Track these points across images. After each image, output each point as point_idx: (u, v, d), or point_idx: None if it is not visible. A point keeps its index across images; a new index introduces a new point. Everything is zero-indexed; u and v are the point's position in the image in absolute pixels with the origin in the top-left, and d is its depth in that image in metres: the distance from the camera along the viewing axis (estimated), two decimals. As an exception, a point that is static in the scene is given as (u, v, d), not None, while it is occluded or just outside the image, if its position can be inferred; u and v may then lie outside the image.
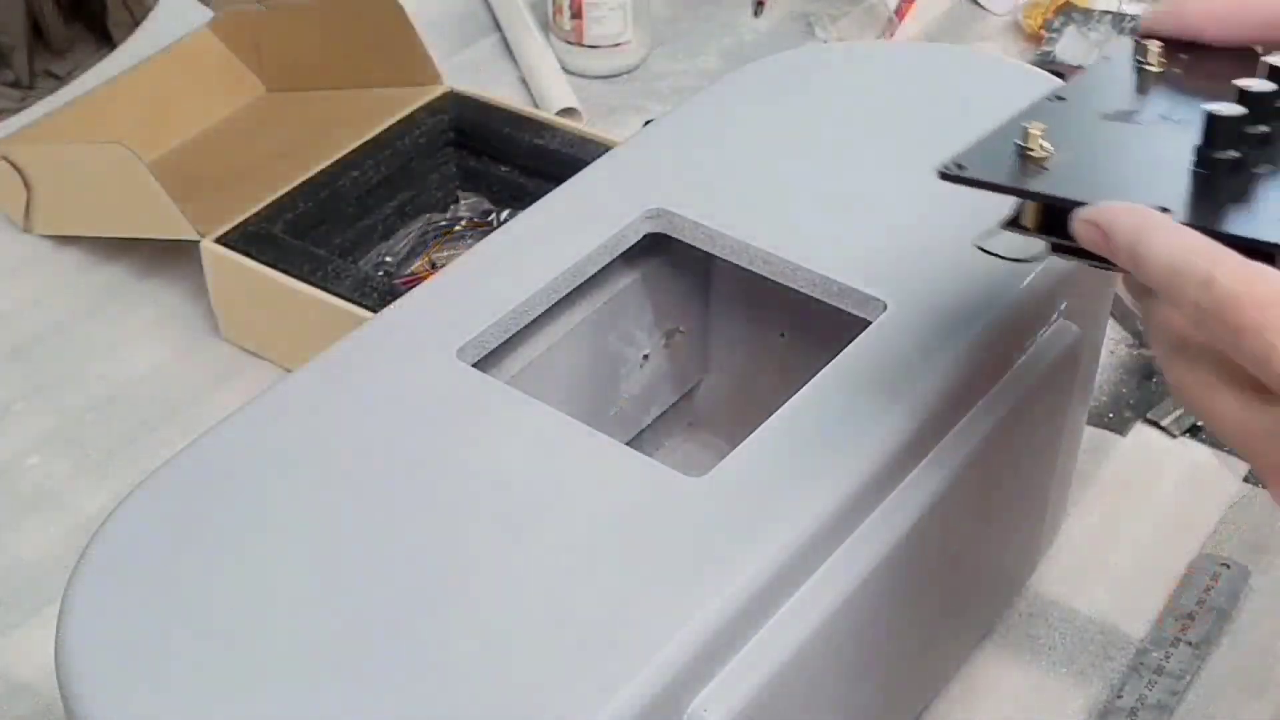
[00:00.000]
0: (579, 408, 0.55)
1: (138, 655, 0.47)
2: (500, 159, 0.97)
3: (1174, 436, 0.83)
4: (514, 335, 0.60)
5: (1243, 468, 0.81)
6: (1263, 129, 0.46)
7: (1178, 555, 0.77)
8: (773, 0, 1.23)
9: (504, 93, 1.06)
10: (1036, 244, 0.50)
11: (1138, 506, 0.80)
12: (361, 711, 0.45)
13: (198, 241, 0.87)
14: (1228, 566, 0.76)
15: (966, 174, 0.48)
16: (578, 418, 0.54)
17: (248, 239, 0.87)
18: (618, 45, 1.14)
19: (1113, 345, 0.89)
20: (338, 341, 0.59)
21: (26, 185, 0.96)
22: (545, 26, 1.16)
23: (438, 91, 0.98)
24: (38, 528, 0.80)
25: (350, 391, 0.56)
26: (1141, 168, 0.47)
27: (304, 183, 0.91)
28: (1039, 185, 0.47)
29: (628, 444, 0.53)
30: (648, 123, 0.78)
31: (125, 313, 0.93)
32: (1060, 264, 0.61)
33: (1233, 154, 0.45)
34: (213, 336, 0.91)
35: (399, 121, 0.96)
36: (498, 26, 1.20)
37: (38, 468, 0.84)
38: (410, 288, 0.67)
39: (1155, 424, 0.84)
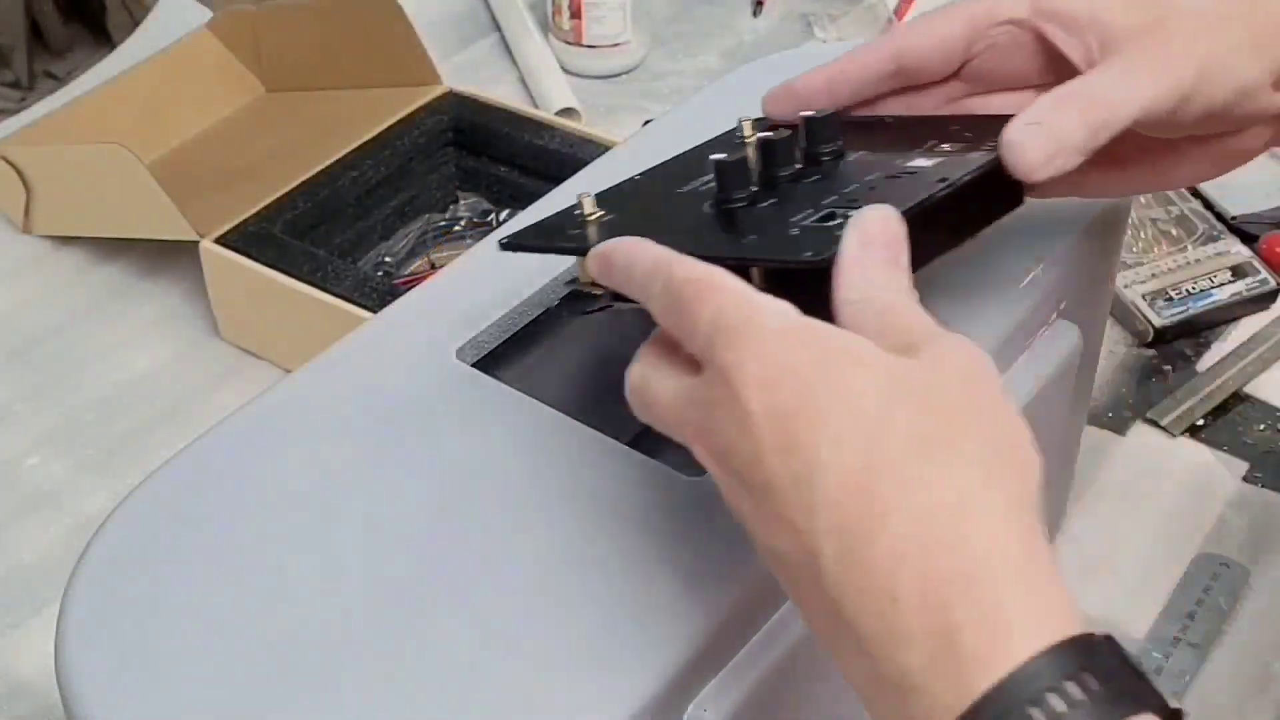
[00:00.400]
0: (579, 408, 0.55)
1: (137, 655, 0.47)
2: (500, 159, 0.97)
3: (1174, 436, 0.83)
4: (514, 335, 0.60)
5: (1242, 468, 0.81)
6: (783, 170, 0.52)
7: (1178, 555, 0.77)
8: (772, 0, 1.23)
9: (503, 93, 1.07)
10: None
11: (1137, 506, 0.80)
12: (361, 711, 0.45)
13: (197, 242, 0.87)
14: (1228, 566, 0.76)
15: (521, 242, 0.55)
16: (577, 418, 0.54)
17: (247, 239, 0.87)
18: (617, 45, 1.14)
19: (1112, 345, 0.89)
20: (337, 342, 0.59)
21: (26, 186, 0.96)
22: (544, 27, 1.16)
23: (437, 92, 0.98)
24: (37, 528, 0.80)
25: (350, 392, 0.56)
26: (673, 219, 0.52)
27: (303, 183, 0.91)
28: (575, 243, 0.52)
29: (628, 444, 0.53)
30: (647, 122, 0.79)
31: (125, 313, 0.93)
32: (1060, 264, 0.61)
33: (740, 195, 0.50)
34: (212, 337, 0.91)
35: (398, 122, 0.96)
36: (497, 27, 1.20)
37: (37, 468, 0.84)
38: (410, 288, 0.67)
39: (1155, 424, 0.84)
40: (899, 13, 1.19)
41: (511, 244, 0.54)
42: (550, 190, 0.67)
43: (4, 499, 0.82)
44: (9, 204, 0.98)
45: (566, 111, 1.07)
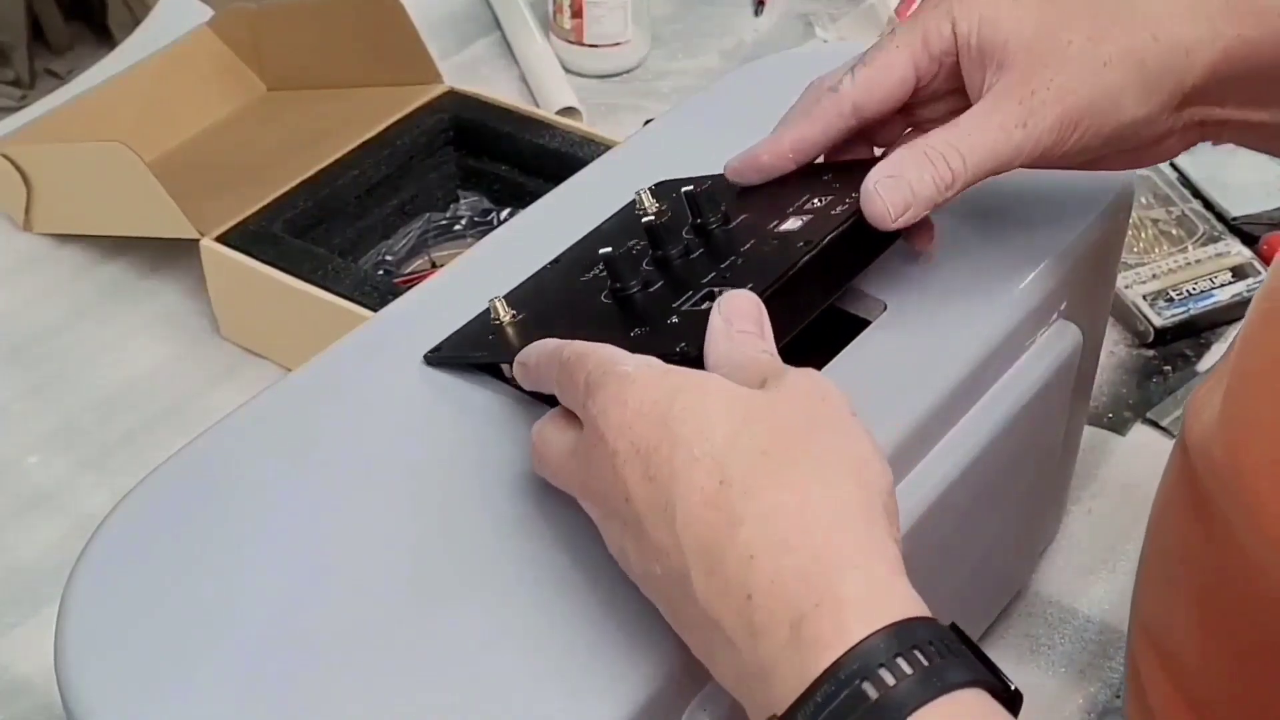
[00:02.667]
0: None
1: (136, 654, 0.47)
2: (500, 158, 0.97)
3: (1174, 437, 0.83)
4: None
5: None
6: (672, 249, 0.56)
7: (1177, 555, 0.77)
8: (772, 0, 1.23)
9: (504, 92, 1.06)
10: None
11: (1137, 507, 0.80)
12: (360, 711, 0.45)
13: (197, 240, 0.87)
14: (1227, 567, 0.76)
15: (444, 355, 0.57)
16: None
17: (247, 238, 0.87)
18: (618, 45, 1.14)
19: (1112, 345, 0.89)
20: (337, 341, 0.59)
21: (26, 184, 0.96)
22: (545, 26, 1.16)
23: (438, 91, 0.98)
24: (37, 526, 0.80)
25: (350, 391, 0.56)
26: (576, 312, 0.56)
27: (304, 182, 0.91)
28: (491, 351, 0.56)
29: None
30: (648, 122, 0.79)
31: (125, 312, 0.93)
32: (1061, 265, 0.61)
33: (632, 283, 0.54)
34: (212, 335, 0.91)
35: (399, 120, 0.96)
36: (498, 26, 1.20)
37: (37, 467, 0.84)
38: (410, 287, 0.67)
39: (1155, 424, 0.84)
40: (900, 12, 1.19)
41: (435, 358, 0.57)
42: (550, 189, 0.67)
43: (4, 497, 0.82)
44: (9, 202, 0.98)
45: (567, 111, 1.07)
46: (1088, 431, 0.79)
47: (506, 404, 0.55)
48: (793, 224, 0.55)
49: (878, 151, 0.61)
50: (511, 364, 0.53)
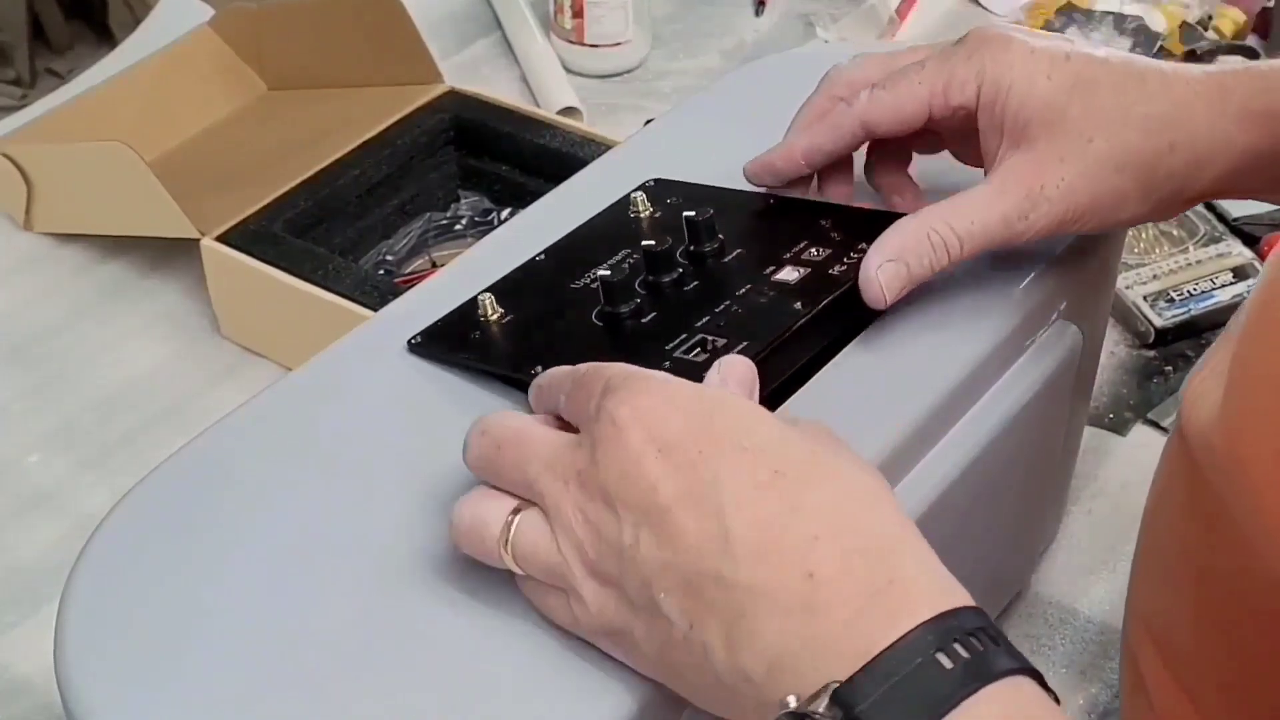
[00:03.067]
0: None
1: (136, 653, 0.47)
2: (501, 158, 0.97)
3: (1174, 437, 0.83)
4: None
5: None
6: (666, 277, 0.56)
7: (1178, 556, 0.77)
8: (773, 0, 1.23)
9: (505, 92, 1.06)
10: None
11: (1137, 507, 0.80)
12: (360, 710, 0.45)
13: (198, 240, 0.87)
14: (1228, 567, 0.76)
15: (430, 347, 0.57)
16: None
17: (248, 237, 0.87)
18: (618, 44, 1.14)
19: (1113, 346, 0.89)
20: (338, 340, 0.59)
21: (27, 183, 0.96)
22: (546, 26, 1.16)
23: (439, 90, 0.98)
24: (37, 526, 0.80)
25: (350, 390, 0.56)
26: (566, 328, 0.56)
27: (304, 181, 0.91)
28: (477, 355, 0.56)
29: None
30: (648, 122, 0.79)
31: (125, 311, 0.93)
32: (1061, 265, 0.61)
33: (625, 309, 0.55)
34: (212, 335, 0.91)
35: (400, 120, 0.96)
36: (498, 25, 1.20)
37: (37, 466, 0.84)
38: (410, 286, 0.67)
39: (1155, 424, 0.84)
40: (900, 13, 1.19)
41: (420, 349, 0.57)
42: (551, 189, 0.67)
43: (4, 497, 0.82)
44: (10, 201, 0.98)
45: (568, 110, 1.07)
46: (1088, 432, 0.79)
47: (506, 404, 0.55)
48: (789, 275, 0.56)
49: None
50: (495, 371, 0.55)
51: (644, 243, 0.57)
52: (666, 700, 0.46)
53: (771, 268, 0.57)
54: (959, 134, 0.59)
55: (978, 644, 0.41)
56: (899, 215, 0.57)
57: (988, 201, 0.56)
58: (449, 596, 0.48)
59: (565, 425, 0.48)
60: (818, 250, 0.57)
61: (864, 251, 0.56)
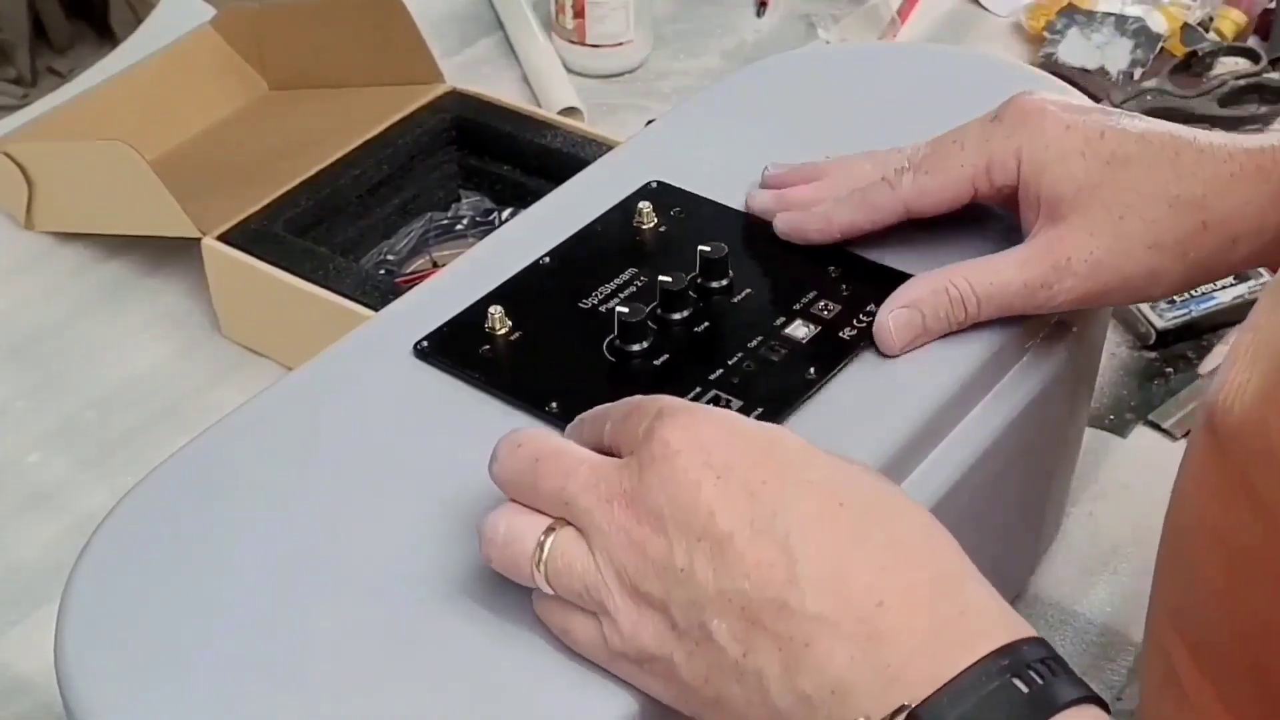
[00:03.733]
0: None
1: (136, 652, 0.47)
2: (502, 158, 0.97)
3: (1175, 439, 0.83)
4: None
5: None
6: (677, 314, 0.57)
7: (1178, 558, 0.77)
8: (775, 1, 1.23)
9: (506, 92, 1.06)
10: None
11: (1138, 509, 0.80)
12: (361, 710, 0.45)
13: (199, 239, 0.87)
14: (1228, 569, 0.76)
15: (437, 356, 0.57)
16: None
17: (249, 237, 0.87)
18: (620, 45, 1.14)
19: (1114, 347, 0.89)
20: (338, 340, 0.59)
21: (28, 182, 0.96)
22: (547, 26, 1.16)
23: (440, 90, 0.98)
24: (38, 525, 0.80)
25: (351, 390, 0.56)
26: (576, 353, 0.57)
27: (305, 181, 0.91)
28: (484, 373, 0.56)
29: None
30: (649, 122, 0.78)
31: (126, 310, 0.93)
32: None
33: (636, 347, 0.56)
34: (213, 334, 0.91)
35: (401, 120, 0.96)
36: (500, 25, 1.20)
37: (38, 465, 0.84)
38: (411, 286, 0.67)
39: (1156, 426, 0.84)
40: (902, 14, 1.19)
41: (428, 356, 0.57)
42: (552, 190, 0.67)
43: (4, 496, 0.82)
44: (11, 200, 0.98)
45: (569, 111, 1.07)
46: (1089, 433, 0.79)
47: (507, 405, 0.55)
48: (799, 330, 0.57)
49: None
50: (503, 392, 0.55)
51: (660, 279, 0.57)
52: (663, 705, 0.46)
53: (782, 319, 0.58)
54: (1007, 204, 0.60)
55: (1046, 672, 0.42)
56: (907, 275, 0.58)
57: (1012, 266, 0.57)
58: (450, 597, 0.48)
59: (605, 454, 0.48)
60: (827, 306, 0.58)
61: (873, 314, 0.57)
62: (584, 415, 0.50)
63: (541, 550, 0.45)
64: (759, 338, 0.57)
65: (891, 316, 0.56)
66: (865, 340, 0.56)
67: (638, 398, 0.48)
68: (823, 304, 0.58)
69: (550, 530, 0.46)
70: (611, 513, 0.45)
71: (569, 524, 0.46)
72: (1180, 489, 0.58)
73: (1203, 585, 0.56)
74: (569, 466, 0.46)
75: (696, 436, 0.45)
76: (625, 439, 0.46)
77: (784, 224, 0.62)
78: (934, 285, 0.57)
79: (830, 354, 0.56)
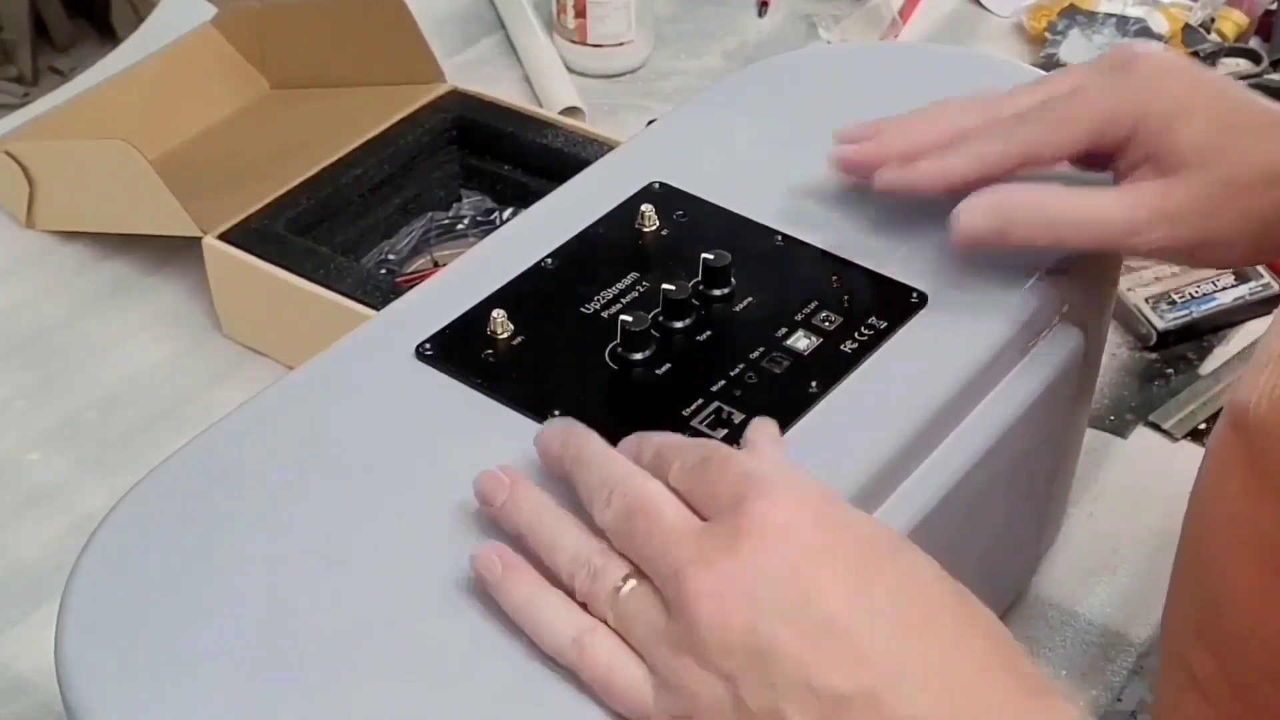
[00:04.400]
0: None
1: (137, 652, 0.47)
2: (503, 158, 0.97)
3: (1175, 440, 0.83)
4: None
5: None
6: (679, 322, 0.57)
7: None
8: (776, 1, 1.23)
9: (507, 92, 1.06)
10: None
11: (1138, 509, 0.80)
12: (360, 709, 0.45)
13: (200, 238, 0.87)
14: (1228, 570, 0.76)
15: (441, 361, 0.56)
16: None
17: (250, 236, 0.87)
18: (621, 45, 1.14)
19: (1114, 348, 0.89)
20: (339, 339, 0.59)
21: (29, 181, 0.96)
22: (549, 26, 1.16)
23: (441, 90, 0.98)
24: (38, 524, 0.80)
25: (351, 390, 0.56)
26: (579, 360, 0.56)
27: (306, 180, 0.91)
28: (485, 379, 0.56)
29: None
30: (651, 122, 0.78)
31: (126, 309, 0.93)
32: (1063, 268, 0.61)
33: (638, 355, 0.56)
34: (214, 333, 0.91)
35: (402, 120, 0.96)
36: (501, 25, 1.20)
37: (38, 464, 0.84)
38: (412, 286, 0.67)
39: (1156, 427, 0.84)
40: (903, 14, 1.19)
41: (427, 357, 0.57)
42: (553, 189, 0.67)
43: (4, 495, 0.82)
44: (12, 199, 0.98)
45: (570, 111, 1.07)
46: (1089, 434, 0.79)
47: (507, 407, 0.55)
48: (800, 342, 0.57)
49: None
50: (505, 400, 0.54)
51: (664, 287, 0.57)
52: (667, 701, 0.46)
53: (784, 329, 0.57)
54: (1098, 158, 0.60)
55: None
56: (910, 289, 0.58)
57: (1116, 204, 0.57)
58: (451, 597, 0.48)
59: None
60: (829, 318, 0.58)
61: (874, 328, 0.57)
62: (641, 440, 0.49)
63: (616, 595, 0.46)
64: (761, 348, 0.57)
65: (971, 211, 0.55)
66: (867, 354, 0.56)
67: (705, 442, 0.48)
68: (824, 315, 0.58)
69: (627, 578, 0.46)
70: (701, 579, 0.44)
71: (646, 577, 0.46)
72: (1201, 494, 0.57)
73: (1231, 589, 0.55)
74: (663, 525, 0.46)
75: (793, 515, 0.44)
76: (703, 495, 0.46)
77: (889, 179, 0.60)
78: (1029, 196, 0.56)
79: (832, 368, 0.56)
